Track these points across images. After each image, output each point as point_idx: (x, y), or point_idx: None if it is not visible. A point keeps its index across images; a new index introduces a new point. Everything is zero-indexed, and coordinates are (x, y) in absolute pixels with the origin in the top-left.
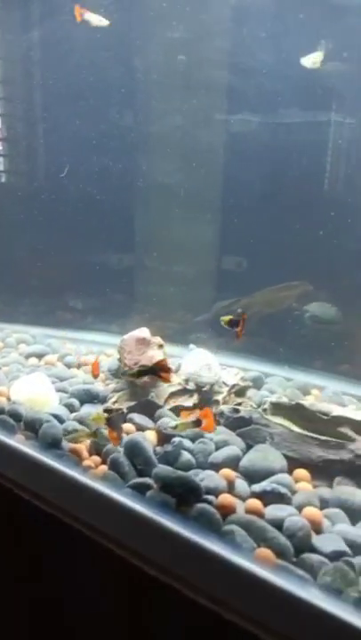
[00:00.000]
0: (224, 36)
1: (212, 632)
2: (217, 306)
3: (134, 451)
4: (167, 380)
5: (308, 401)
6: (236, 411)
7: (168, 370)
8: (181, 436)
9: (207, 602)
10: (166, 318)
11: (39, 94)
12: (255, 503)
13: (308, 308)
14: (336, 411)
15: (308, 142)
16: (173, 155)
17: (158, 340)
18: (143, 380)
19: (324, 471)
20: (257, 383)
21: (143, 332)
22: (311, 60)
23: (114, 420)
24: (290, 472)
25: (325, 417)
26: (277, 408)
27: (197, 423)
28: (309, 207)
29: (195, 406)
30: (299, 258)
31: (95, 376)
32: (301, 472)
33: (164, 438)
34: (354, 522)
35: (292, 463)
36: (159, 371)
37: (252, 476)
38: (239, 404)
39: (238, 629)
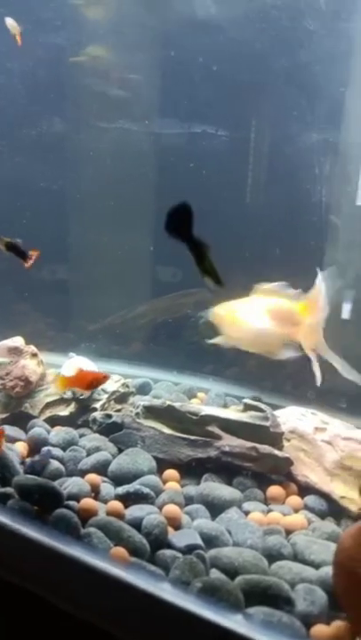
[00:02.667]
0: (102, 43)
1: (69, 634)
2: (113, 316)
3: None
4: None
5: (183, 403)
6: (109, 416)
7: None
8: (53, 445)
9: (66, 604)
10: (62, 328)
11: None
12: (116, 505)
13: (203, 314)
14: (205, 410)
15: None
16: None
17: (32, 348)
18: (16, 390)
19: (193, 470)
20: (144, 389)
21: (16, 341)
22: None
23: None
24: (160, 473)
25: (195, 417)
26: (150, 411)
27: None
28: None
29: (71, 415)
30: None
31: None
32: (171, 472)
33: (35, 449)
34: (214, 516)
35: (163, 464)
36: None
37: (121, 480)
38: (119, 411)
39: (94, 628)
